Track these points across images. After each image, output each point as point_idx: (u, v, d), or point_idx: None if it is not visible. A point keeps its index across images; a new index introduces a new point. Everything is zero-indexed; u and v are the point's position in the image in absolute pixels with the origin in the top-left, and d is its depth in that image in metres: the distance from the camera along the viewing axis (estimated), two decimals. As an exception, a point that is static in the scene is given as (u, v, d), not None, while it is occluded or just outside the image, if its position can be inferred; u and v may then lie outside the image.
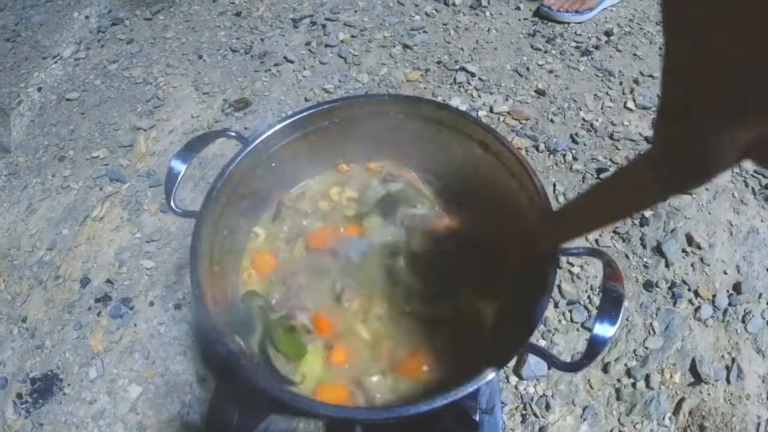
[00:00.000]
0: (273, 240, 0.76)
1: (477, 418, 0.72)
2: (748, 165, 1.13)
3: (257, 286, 0.72)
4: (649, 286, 0.98)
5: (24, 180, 1.21)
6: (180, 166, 0.63)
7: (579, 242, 1.03)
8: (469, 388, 0.49)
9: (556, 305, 0.96)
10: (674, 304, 0.96)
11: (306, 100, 1.30)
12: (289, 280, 0.70)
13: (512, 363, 0.90)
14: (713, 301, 0.96)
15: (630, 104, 1.26)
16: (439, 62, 1.38)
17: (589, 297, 0.96)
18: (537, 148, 1.18)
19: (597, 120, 1.23)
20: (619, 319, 0.51)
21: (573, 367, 0.49)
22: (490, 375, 0.49)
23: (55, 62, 1.47)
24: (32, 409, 0.90)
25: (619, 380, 0.89)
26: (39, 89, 1.41)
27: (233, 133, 0.68)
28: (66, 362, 0.94)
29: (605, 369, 0.90)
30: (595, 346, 0.49)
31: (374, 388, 0.63)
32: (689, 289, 0.98)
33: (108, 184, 1.17)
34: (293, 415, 0.80)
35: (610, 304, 0.52)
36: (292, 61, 1.39)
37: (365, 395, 0.63)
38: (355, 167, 0.83)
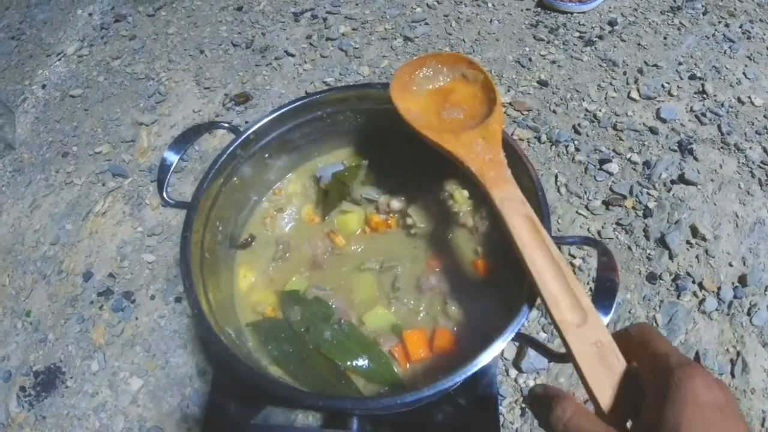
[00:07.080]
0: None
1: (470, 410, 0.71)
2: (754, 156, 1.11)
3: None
4: (652, 278, 0.97)
5: (28, 176, 1.22)
6: (173, 157, 0.63)
7: (576, 231, 1.02)
8: (458, 378, 0.48)
9: (556, 297, 0.95)
10: (678, 296, 0.95)
11: (306, 93, 1.30)
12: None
13: (512, 355, 0.90)
14: (718, 294, 0.95)
15: (634, 94, 1.24)
16: (440, 54, 1.36)
17: (590, 289, 0.95)
18: (539, 139, 1.17)
19: (600, 110, 1.21)
20: (613, 309, 0.50)
21: (564, 357, 0.48)
22: (478, 366, 0.49)
23: (59, 59, 1.48)
24: (35, 402, 0.91)
25: (620, 373, 0.88)
26: (43, 86, 1.42)
27: (225, 124, 0.68)
28: (68, 355, 0.95)
29: (606, 361, 0.89)
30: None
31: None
32: (693, 282, 0.96)
33: (110, 179, 1.18)
34: (289, 406, 0.80)
35: (604, 294, 0.51)
36: (293, 55, 1.39)
37: None
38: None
